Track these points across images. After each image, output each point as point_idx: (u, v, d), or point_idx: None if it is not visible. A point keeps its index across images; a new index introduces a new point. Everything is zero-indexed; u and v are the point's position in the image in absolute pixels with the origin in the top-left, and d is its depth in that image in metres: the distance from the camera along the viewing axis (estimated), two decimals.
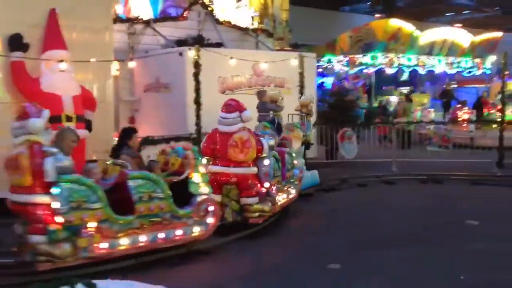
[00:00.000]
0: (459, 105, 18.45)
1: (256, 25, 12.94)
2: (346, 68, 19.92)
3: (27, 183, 4.97)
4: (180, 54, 10.22)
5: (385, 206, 8.83)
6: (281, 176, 7.49)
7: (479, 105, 18.53)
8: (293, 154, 8.14)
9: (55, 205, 4.91)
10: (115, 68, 9.09)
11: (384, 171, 11.30)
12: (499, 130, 11.98)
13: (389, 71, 20.19)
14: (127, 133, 6.78)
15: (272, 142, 7.17)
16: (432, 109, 19.43)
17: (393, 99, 20.48)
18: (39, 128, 5.08)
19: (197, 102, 10.05)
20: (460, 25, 26.54)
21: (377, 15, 28.59)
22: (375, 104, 20.60)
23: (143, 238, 5.51)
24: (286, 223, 7.57)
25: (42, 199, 4.96)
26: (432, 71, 21.72)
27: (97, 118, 8.10)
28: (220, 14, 12.15)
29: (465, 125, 15.51)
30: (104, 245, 5.21)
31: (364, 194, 9.76)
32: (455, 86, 23.57)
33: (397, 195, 9.78)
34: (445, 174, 10.84)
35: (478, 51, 22.71)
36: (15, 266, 5.37)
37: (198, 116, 10.02)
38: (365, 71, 20.22)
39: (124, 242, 5.36)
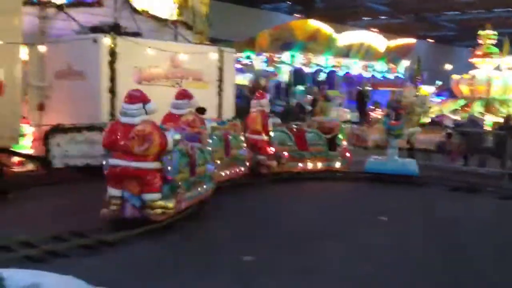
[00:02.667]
0: (373, 107, 19.44)
1: (175, 17, 12.98)
2: (264, 65, 20.42)
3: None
4: (95, 41, 10.08)
5: (303, 202, 9.20)
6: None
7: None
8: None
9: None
10: (24, 52, 8.83)
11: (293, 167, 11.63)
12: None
13: (307, 70, 20.93)
14: None
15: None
16: (348, 110, 20.31)
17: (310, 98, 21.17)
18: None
19: (112, 91, 9.96)
20: (377, 30, 27.94)
21: (296, 15, 29.42)
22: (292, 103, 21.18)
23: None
24: (202, 216, 7.70)
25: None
26: (348, 73, 22.74)
27: (3, 103, 7.86)
28: (138, 3, 12.09)
29: (377, 126, 16.35)
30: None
31: (285, 190, 10.10)
32: (370, 88, 24.74)
33: (315, 191, 10.21)
34: (361, 172, 11.35)
35: (393, 56, 24.04)
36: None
37: (112, 106, 9.94)
38: (283, 69, 20.80)
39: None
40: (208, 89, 11.54)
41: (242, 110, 12.93)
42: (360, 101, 19.91)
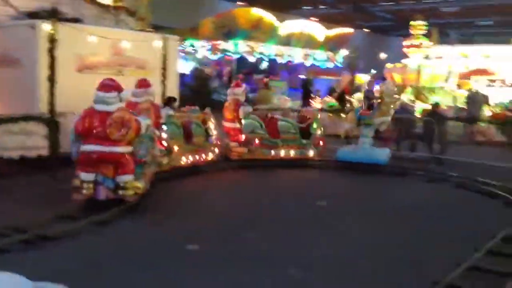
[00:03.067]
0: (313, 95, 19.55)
1: (117, 2, 12.52)
2: (208, 53, 20.13)
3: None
4: (32, 27, 9.58)
5: (246, 189, 9.19)
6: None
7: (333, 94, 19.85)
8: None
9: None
10: None
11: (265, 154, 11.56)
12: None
13: (250, 59, 20.79)
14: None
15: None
16: (288, 98, 20.36)
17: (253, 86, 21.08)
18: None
19: (51, 80, 9.52)
20: (317, 19, 28.07)
21: (239, 3, 29.13)
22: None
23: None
24: (148, 206, 7.52)
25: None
26: (290, 61, 22.76)
27: None
28: None
29: (350, 115, 16.46)
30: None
31: (228, 178, 10.05)
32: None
33: (259, 179, 10.21)
34: (303, 159, 11.39)
35: (331, 45, 24.22)
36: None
37: (52, 95, 9.50)
38: (227, 57, 20.58)
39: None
40: (151, 78, 11.22)
41: (186, 99, 12.74)
42: (305, 89, 19.99)
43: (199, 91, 12.97)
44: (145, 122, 7.24)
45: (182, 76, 15.07)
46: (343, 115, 15.82)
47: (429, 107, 15.28)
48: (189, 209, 7.69)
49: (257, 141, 10.97)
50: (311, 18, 28.70)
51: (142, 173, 7.25)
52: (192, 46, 20.46)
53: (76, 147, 7.03)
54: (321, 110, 15.96)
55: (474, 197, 8.96)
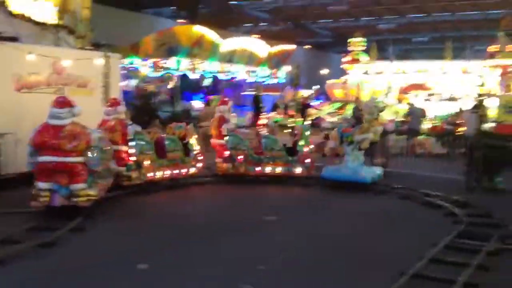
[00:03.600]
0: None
1: (56, 20, 12.35)
2: (150, 71, 20.08)
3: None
4: None
5: (193, 205, 9.28)
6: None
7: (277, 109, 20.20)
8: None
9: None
10: None
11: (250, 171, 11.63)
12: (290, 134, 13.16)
13: (193, 76, 20.89)
14: None
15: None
16: (234, 114, 20.53)
17: (197, 104, 21.14)
18: None
19: None
20: (258, 36, 28.56)
21: (180, 21, 29.26)
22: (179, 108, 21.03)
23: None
24: (93, 224, 7.47)
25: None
26: (233, 78, 23.04)
27: None
28: (15, 5, 11.35)
29: (262, 129, 16.74)
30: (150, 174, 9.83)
31: (174, 195, 10.07)
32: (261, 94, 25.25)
33: (205, 195, 10.30)
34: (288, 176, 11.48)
35: (274, 61, 24.71)
36: None
37: None
38: (169, 75, 20.57)
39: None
40: (93, 96, 11.13)
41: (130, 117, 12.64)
42: (256, 106, 20.28)
43: (142, 108, 12.91)
44: (96, 134, 7.96)
45: (125, 94, 14.96)
46: (285, 131, 16.15)
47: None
48: (146, 223, 7.82)
49: (240, 157, 11.17)
50: (252, 35, 29.17)
51: (94, 181, 7.84)
52: (133, 63, 20.34)
53: (33, 159, 7.66)
54: (267, 125, 16.20)
55: (417, 207, 9.36)
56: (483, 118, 15.40)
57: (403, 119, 17.78)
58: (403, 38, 41.80)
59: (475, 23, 34.21)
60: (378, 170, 11.15)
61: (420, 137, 16.29)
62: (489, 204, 8.81)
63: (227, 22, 32.56)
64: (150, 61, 20.36)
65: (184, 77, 20.94)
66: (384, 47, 35.54)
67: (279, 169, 11.29)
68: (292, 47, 26.20)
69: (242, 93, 24.44)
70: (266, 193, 10.67)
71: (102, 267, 5.84)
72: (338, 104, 21.70)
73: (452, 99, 24.02)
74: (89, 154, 7.74)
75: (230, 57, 22.03)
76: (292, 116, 18.82)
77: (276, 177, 11.28)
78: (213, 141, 11.54)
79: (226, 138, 11.25)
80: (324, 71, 35.69)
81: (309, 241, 7.08)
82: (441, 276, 5.56)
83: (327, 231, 7.58)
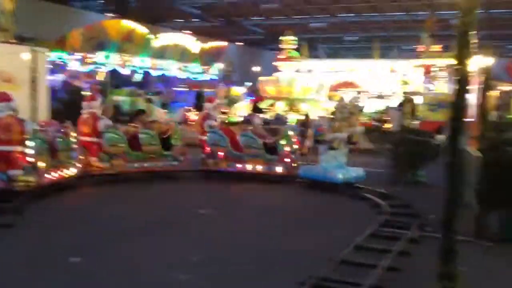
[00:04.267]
0: (188, 108, 19.99)
1: None
2: (78, 66, 19.71)
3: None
4: None
5: (126, 200, 9.36)
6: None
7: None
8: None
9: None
10: None
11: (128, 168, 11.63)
12: None
13: (123, 71, 20.69)
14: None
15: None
16: (166, 110, 20.56)
17: (126, 99, 20.97)
18: None
19: None
20: (190, 32, 28.63)
21: (109, 15, 28.83)
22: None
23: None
24: (27, 219, 7.48)
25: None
26: (164, 74, 23.00)
27: None
28: None
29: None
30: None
31: (110, 190, 10.13)
32: (187, 89, 25.34)
33: (137, 192, 10.39)
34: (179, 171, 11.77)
35: (206, 58, 24.85)
36: None
37: None
38: (98, 70, 20.28)
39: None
40: (19, 91, 10.95)
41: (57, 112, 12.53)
42: (198, 103, 20.40)
43: (71, 104, 12.77)
44: (31, 126, 8.97)
45: (52, 89, 14.74)
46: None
47: (303, 117, 16.38)
48: (80, 220, 7.91)
49: (220, 153, 11.62)
50: (184, 31, 29.19)
51: (34, 169, 8.77)
52: (60, 58, 19.90)
53: None
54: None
55: (345, 200, 9.90)
56: (408, 115, 16.31)
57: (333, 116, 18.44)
58: (333, 37, 43.04)
59: (402, 24, 35.76)
60: (359, 171, 10.96)
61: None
62: (411, 196, 9.45)
63: (158, 17, 32.37)
64: (78, 56, 19.98)
65: (114, 72, 20.71)
66: (315, 46, 36.48)
67: (259, 167, 11.43)
68: (224, 43, 26.44)
69: (174, 89, 24.46)
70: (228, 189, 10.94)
71: (32, 262, 5.89)
72: (270, 101, 22.17)
73: (380, 96, 25.16)
74: (28, 143, 8.63)
75: (162, 53, 21.97)
76: (224, 113, 19.10)
77: (256, 175, 11.45)
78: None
79: (207, 134, 11.63)
80: (257, 68, 36.23)
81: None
82: (365, 261, 6.01)
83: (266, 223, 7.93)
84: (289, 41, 22.92)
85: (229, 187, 11.05)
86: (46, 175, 9.39)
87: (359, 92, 25.59)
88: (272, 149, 11.49)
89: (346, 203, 9.67)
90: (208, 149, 11.64)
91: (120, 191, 10.38)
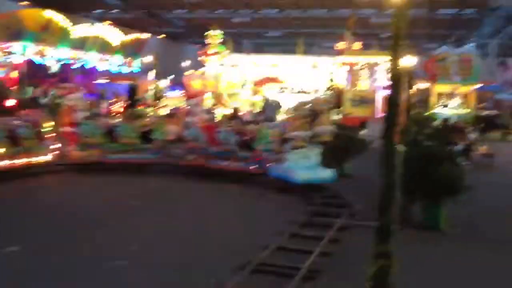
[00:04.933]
0: (114, 100, 19.76)
1: None
2: None
3: None
4: None
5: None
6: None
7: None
8: None
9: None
10: None
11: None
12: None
13: (41, 62, 20.10)
14: None
15: None
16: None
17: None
18: None
19: None
20: (111, 23, 28.11)
21: (23, 3, 27.79)
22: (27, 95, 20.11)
23: None
24: None
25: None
26: (84, 65, 22.53)
27: None
28: None
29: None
30: None
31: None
32: (107, 81, 24.91)
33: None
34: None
35: (128, 50, 24.58)
36: None
37: None
38: (13, 60, 19.57)
39: None
40: None
41: None
42: (131, 96, 20.19)
43: None
44: None
45: None
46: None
47: (229, 111, 16.67)
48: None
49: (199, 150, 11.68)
50: (104, 22, 28.61)
51: None
52: None
53: None
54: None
55: (279, 193, 10.28)
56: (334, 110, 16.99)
57: (259, 110, 18.88)
58: (256, 32, 43.63)
59: (324, 21, 36.86)
60: (327, 172, 10.32)
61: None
62: (339, 188, 9.97)
63: (75, 7, 31.49)
64: None
65: (30, 63, 20.06)
66: (238, 40, 36.86)
67: (234, 164, 11.33)
68: (146, 35, 26.26)
69: (94, 82, 24.00)
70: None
71: None
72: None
73: (303, 92, 25.86)
74: None
75: (81, 44, 21.53)
76: (149, 106, 19.04)
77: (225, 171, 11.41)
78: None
79: (188, 130, 11.75)
80: (186, 63, 36.03)
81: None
82: (300, 247, 6.39)
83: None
84: (215, 36, 23.10)
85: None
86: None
87: (282, 88, 26.18)
88: (247, 146, 11.43)
89: (278, 195, 10.00)
90: (188, 145, 11.71)
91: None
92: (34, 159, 10.77)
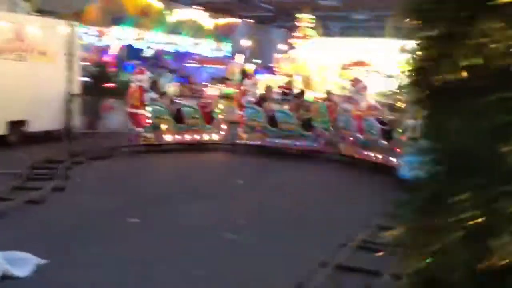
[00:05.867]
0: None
1: None
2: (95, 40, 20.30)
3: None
4: None
5: (157, 171, 10.10)
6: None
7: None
8: None
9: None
10: None
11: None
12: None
13: (139, 46, 21.29)
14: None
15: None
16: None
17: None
18: None
19: None
20: (202, 8, 29.08)
21: None
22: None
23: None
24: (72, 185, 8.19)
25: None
26: (177, 50, 23.58)
27: None
28: None
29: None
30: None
31: (136, 161, 10.83)
32: (198, 65, 25.89)
33: (167, 162, 11.11)
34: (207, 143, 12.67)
35: (219, 34, 25.40)
36: None
37: None
38: (113, 44, 20.84)
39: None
40: (55, 64, 11.60)
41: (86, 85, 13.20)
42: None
43: (99, 77, 13.44)
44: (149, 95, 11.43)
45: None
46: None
47: (320, 95, 17.00)
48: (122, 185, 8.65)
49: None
50: (194, 6, 29.59)
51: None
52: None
53: None
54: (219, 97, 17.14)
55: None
56: None
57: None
58: (345, 16, 43.23)
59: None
60: None
61: None
62: None
63: None
64: (94, 30, 20.53)
65: (129, 47, 21.28)
66: (326, 24, 36.79)
67: (196, 137, 12.36)
68: (237, 20, 26.98)
69: (186, 65, 25.06)
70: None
71: (92, 223, 6.62)
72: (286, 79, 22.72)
73: (390, 76, 25.57)
74: None
75: (177, 28, 22.53)
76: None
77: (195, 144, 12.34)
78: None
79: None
80: (267, 45, 36.50)
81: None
82: None
83: None
84: (305, 19, 23.38)
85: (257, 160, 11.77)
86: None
87: (369, 71, 26.03)
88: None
89: None
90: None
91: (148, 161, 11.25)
92: (199, 137, 12.16)
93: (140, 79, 12.07)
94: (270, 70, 27.23)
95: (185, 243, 6.02)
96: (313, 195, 8.65)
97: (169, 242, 6.05)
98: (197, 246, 5.94)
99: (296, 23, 23.89)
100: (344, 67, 25.13)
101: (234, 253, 5.83)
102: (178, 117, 12.01)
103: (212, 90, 19.25)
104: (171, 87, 20.04)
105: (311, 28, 23.75)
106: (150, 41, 21.80)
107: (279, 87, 17.71)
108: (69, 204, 7.41)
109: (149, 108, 11.80)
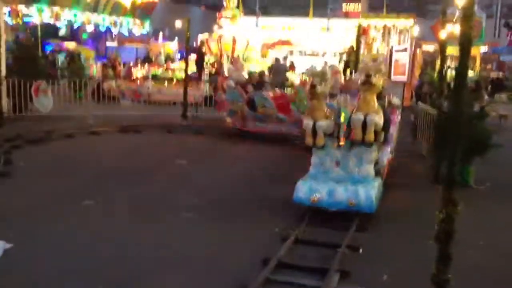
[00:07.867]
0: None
1: None
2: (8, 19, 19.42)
3: None
4: None
5: (100, 152, 9.99)
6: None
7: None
8: None
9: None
10: None
11: (82, 123, 12.23)
12: (183, 87, 13.93)
13: (56, 25, 20.64)
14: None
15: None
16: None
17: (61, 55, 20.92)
18: None
19: None
20: None
21: None
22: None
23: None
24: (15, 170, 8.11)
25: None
26: (96, 28, 23.02)
27: None
28: None
29: (139, 81, 17.44)
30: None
31: (75, 144, 10.62)
32: (116, 45, 25.42)
33: (107, 143, 11.00)
34: (143, 125, 12.51)
35: (139, 12, 25.02)
36: None
37: None
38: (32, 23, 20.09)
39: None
40: None
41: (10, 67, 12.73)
42: (199, 58, 20.51)
43: (24, 58, 12.92)
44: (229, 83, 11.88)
45: None
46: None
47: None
48: (59, 172, 8.36)
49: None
50: None
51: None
52: None
53: None
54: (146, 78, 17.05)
55: None
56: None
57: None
58: None
59: None
60: None
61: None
62: None
63: None
64: (6, 8, 19.61)
65: (45, 25, 20.57)
66: (246, 3, 36.94)
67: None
68: None
69: (105, 45, 24.57)
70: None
71: (42, 207, 6.57)
72: (212, 59, 22.73)
73: (313, 55, 26.24)
74: None
75: (94, 7, 21.99)
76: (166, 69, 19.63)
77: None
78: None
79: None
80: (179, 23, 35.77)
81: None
82: None
83: None
84: None
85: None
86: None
87: (292, 51, 26.57)
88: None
89: None
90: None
91: (88, 143, 11.06)
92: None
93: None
94: (194, 50, 27.16)
95: (145, 222, 6.17)
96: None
97: (127, 222, 6.15)
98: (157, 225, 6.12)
99: (224, 2, 23.88)
100: (267, 46, 25.54)
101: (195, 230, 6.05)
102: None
103: (140, 71, 19.02)
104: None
105: (236, 7, 23.87)
106: (67, 19, 21.16)
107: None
108: (18, 189, 7.23)
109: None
